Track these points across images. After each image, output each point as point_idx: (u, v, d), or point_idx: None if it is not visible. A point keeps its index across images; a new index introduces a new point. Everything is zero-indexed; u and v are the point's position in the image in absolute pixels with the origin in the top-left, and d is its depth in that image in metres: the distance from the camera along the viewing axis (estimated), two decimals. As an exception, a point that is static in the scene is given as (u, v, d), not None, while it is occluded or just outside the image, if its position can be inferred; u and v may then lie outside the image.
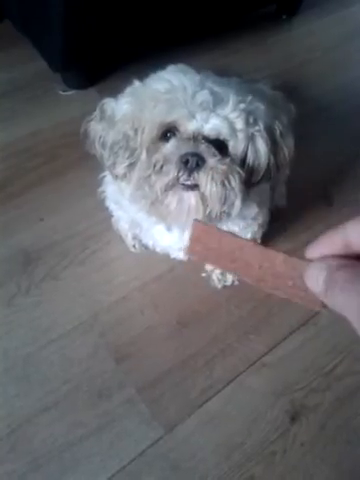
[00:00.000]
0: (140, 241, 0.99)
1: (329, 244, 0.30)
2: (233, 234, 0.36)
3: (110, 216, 0.97)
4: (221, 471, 0.77)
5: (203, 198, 0.65)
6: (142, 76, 0.71)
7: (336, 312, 0.28)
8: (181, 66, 0.70)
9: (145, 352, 0.88)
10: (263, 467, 0.77)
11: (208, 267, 0.98)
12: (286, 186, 1.05)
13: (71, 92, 1.36)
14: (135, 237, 0.99)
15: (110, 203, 0.91)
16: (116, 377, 0.85)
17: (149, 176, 0.65)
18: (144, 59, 1.31)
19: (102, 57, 1.39)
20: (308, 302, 0.32)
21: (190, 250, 0.38)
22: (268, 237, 0.94)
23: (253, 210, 0.80)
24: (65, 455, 0.76)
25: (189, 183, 0.64)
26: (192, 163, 0.62)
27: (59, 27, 1.16)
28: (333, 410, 0.84)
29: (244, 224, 0.82)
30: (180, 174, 0.63)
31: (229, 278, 0.98)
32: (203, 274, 0.99)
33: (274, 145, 0.69)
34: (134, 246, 1.01)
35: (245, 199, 0.68)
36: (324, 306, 0.30)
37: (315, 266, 0.30)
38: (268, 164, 0.69)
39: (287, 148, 0.71)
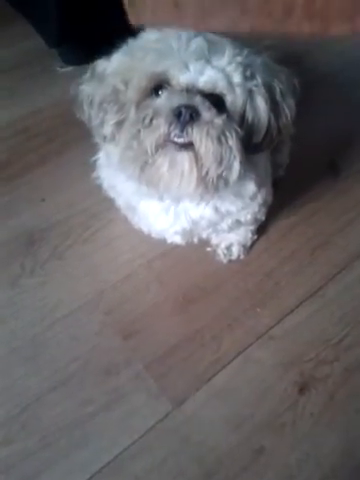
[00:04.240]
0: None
1: None
2: None
3: (112, 194, 0.96)
4: (231, 443, 0.77)
5: (197, 158, 0.60)
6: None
7: None
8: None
9: (152, 328, 0.88)
10: (273, 438, 0.78)
11: (214, 242, 0.97)
12: (290, 149, 1.01)
13: (69, 68, 1.34)
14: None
15: (104, 185, 0.89)
16: (123, 354, 0.85)
17: (138, 132, 0.60)
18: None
19: (99, 30, 1.35)
20: None
21: None
22: (272, 208, 0.92)
23: (250, 188, 0.76)
24: (75, 432, 0.77)
25: (182, 141, 0.59)
26: (185, 116, 0.57)
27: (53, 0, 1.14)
28: (342, 381, 0.83)
29: (242, 204, 0.78)
30: (172, 128, 0.58)
31: (235, 252, 0.97)
32: (208, 249, 0.98)
33: (274, 105, 0.65)
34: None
35: (244, 165, 0.63)
36: None
37: None
38: (269, 124, 0.65)
39: (288, 108, 0.66)
